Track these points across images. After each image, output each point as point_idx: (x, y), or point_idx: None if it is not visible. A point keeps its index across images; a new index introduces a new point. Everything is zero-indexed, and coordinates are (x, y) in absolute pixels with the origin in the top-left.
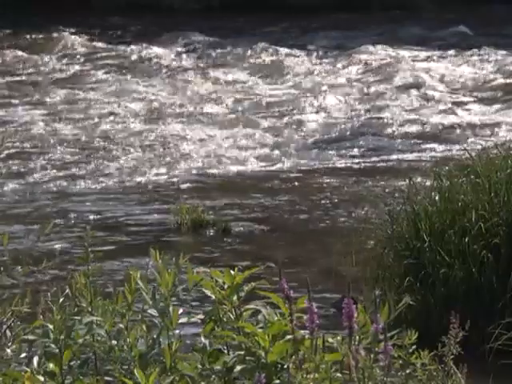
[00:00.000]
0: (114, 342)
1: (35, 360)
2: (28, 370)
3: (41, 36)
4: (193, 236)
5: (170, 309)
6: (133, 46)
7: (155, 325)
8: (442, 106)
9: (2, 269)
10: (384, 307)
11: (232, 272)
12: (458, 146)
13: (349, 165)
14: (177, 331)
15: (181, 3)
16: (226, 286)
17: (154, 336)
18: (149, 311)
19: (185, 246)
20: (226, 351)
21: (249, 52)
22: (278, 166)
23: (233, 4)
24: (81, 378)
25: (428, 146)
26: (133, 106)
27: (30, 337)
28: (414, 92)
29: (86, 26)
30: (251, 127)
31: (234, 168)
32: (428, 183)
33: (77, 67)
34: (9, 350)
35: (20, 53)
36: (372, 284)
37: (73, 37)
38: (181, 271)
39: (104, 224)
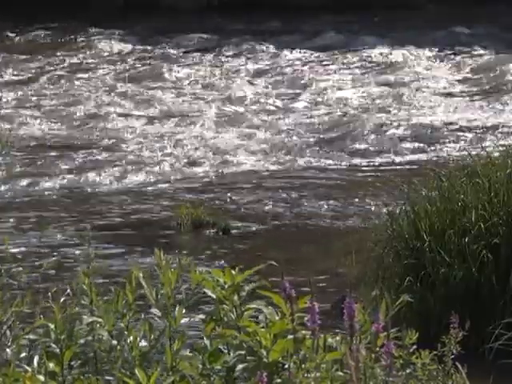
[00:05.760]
0: (115, 342)
1: (36, 360)
2: (29, 369)
3: (39, 36)
4: (193, 236)
5: (176, 308)
6: (133, 46)
7: (158, 324)
8: (441, 106)
9: (2, 271)
10: (382, 306)
11: (233, 271)
12: (457, 146)
13: (349, 165)
14: (179, 331)
15: (181, 3)
16: (226, 286)
17: (155, 336)
18: (152, 310)
19: (185, 246)
20: (226, 351)
21: (248, 52)
22: (278, 165)
23: (232, 4)
24: (81, 377)
25: (428, 145)
26: (132, 105)
27: (31, 336)
28: (413, 92)
29: (86, 25)
30: (251, 127)
31: (234, 168)
32: (428, 183)
33: (76, 67)
34: (9, 350)
35: (19, 52)
36: (372, 284)
37: (72, 37)
38: (183, 271)
39: (104, 224)
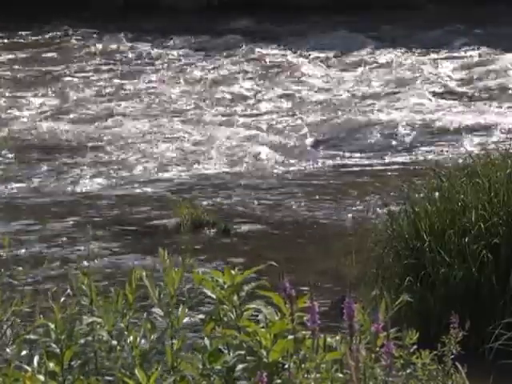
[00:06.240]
0: (115, 342)
1: (36, 360)
2: (29, 369)
3: (38, 35)
4: (193, 236)
5: (179, 308)
6: (133, 46)
7: (159, 324)
8: (441, 106)
9: (2, 270)
10: (381, 306)
11: (232, 272)
12: (458, 146)
13: (349, 165)
14: (180, 331)
15: (181, 3)
16: (226, 286)
17: (155, 335)
18: (154, 310)
19: (185, 246)
20: (226, 351)
21: (247, 52)
22: (278, 165)
23: (232, 4)
24: (81, 377)
25: (428, 146)
26: (131, 105)
27: (32, 336)
28: (413, 92)
29: (86, 25)
30: (251, 127)
31: (234, 168)
32: (428, 183)
33: (76, 67)
34: (9, 350)
35: (18, 53)
36: (372, 284)
37: (72, 37)
38: (187, 271)
39: (103, 224)
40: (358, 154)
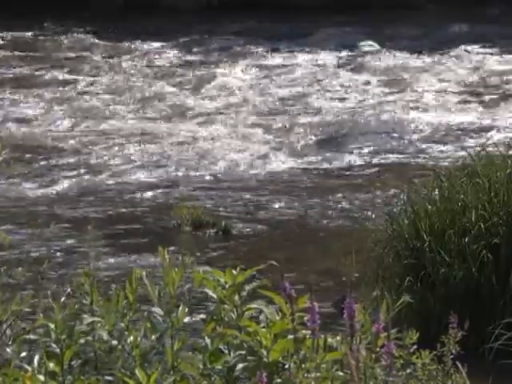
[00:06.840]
0: (115, 342)
1: (36, 359)
2: (29, 369)
3: (38, 35)
4: (193, 236)
5: (180, 308)
6: (133, 46)
7: (159, 324)
8: (441, 106)
9: (2, 270)
10: (382, 306)
11: (234, 271)
12: (457, 146)
13: (349, 165)
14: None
15: (181, 3)
16: (227, 286)
17: (155, 336)
18: (154, 309)
19: (185, 246)
20: (226, 351)
21: (247, 52)
22: (278, 166)
23: (232, 4)
24: (81, 377)
25: (428, 146)
26: (129, 105)
27: (32, 336)
28: (413, 92)
29: (85, 26)
30: (251, 127)
31: (235, 168)
32: (428, 183)
33: (75, 67)
34: (9, 350)
35: (18, 52)
36: (372, 284)
37: (72, 36)
38: (187, 270)
39: (104, 224)
40: (358, 154)
